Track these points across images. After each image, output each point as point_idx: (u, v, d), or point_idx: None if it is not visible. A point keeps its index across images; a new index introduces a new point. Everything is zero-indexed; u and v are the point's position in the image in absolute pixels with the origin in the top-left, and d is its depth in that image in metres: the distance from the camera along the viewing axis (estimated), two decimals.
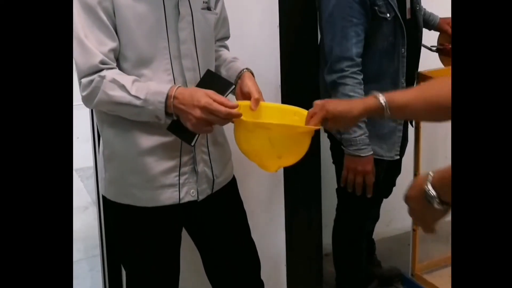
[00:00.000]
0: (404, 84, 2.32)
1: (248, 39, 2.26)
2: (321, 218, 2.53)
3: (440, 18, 2.67)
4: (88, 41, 1.64)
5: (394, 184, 2.67)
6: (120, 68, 1.70)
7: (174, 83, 1.72)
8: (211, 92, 1.62)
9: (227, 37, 1.98)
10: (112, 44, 1.66)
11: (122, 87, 1.64)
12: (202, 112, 1.60)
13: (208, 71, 1.74)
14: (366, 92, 2.17)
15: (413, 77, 2.44)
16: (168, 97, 1.62)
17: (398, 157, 2.41)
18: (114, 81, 1.64)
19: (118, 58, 1.70)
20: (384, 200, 3.21)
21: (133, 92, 1.63)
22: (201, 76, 1.74)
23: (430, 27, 2.68)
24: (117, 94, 1.64)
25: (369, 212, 2.58)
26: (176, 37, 1.73)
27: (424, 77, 2.49)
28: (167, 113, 1.65)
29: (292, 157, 1.69)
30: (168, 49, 1.72)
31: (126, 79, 1.65)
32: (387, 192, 2.68)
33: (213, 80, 1.72)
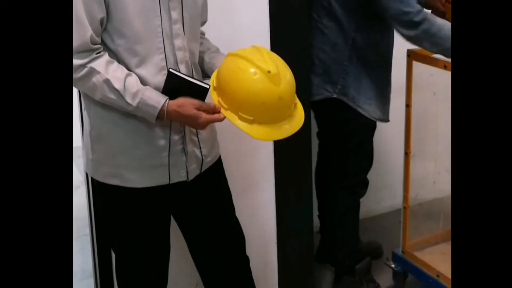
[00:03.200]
0: None
1: (236, 14, 2.23)
2: (311, 196, 2.54)
3: None
4: (80, 11, 1.64)
5: None
6: (116, 44, 1.71)
7: (166, 62, 1.74)
8: (197, 104, 1.70)
9: (205, 21, 1.97)
10: (101, 15, 1.67)
11: (116, 92, 1.67)
12: (192, 124, 1.75)
13: (171, 73, 1.72)
14: None
15: None
16: (160, 112, 1.70)
17: (388, 120, 2.57)
18: (107, 82, 1.66)
19: (113, 35, 1.70)
20: (375, 178, 3.23)
21: (127, 99, 1.68)
22: (166, 79, 1.73)
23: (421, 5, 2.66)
24: (111, 96, 1.68)
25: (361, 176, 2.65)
26: (168, 16, 1.74)
27: (415, 55, 2.47)
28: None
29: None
30: (161, 27, 1.73)
31: (118, 80, 1.67)
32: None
33: (184, 84, 1.72)
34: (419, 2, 2.35)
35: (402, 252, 2.65)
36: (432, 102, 3.17)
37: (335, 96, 2.47)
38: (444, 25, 2.29)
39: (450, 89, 3.14)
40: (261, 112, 1.70)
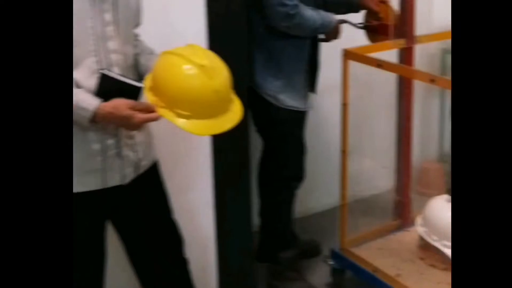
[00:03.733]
0: None
1: (171, 15, 2.21)
2: (249, 195, 2.52)
3: None
4: None
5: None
6: None
7: (99, 65, 1.72)
8: (131, 104, 1.68)
9: (139, 24, 1.94)
10: None
11: None
12: (128, 125, 1.73)
13: (103, 75, 1.70)
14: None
15: None
16: (94, 115, 1.67)
17: (306, 108, 2.63)
18: None
19: None
20: (313, 177, 3.26)
21: None
22: (98, 80, 1.70)
23: (354, 8, 2.73)
24: None
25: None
26: (101, 18, 1.72)
27: (350, 54, 2.51)
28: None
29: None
30: (93, 29, 1.71)
31: None
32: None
33: (117, 85, 1.70)
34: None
35: (340, 249, 2.68)
36: (367, 100, 3.23)
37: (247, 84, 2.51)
38: (311, 15, 2.51)
39: (385, 86, 3.22)
40: (197, 107, 1.69)
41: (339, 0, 2.74)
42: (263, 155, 2.73)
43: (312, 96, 2.74)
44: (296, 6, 2.46)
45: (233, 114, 1.78)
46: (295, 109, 2.61)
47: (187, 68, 1.68)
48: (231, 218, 2.46)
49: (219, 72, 1.72)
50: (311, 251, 2.93)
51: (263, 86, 2.57)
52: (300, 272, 2.79)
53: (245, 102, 2.22)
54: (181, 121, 1.69)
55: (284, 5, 2.43)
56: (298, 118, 2.66)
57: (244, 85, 2.35)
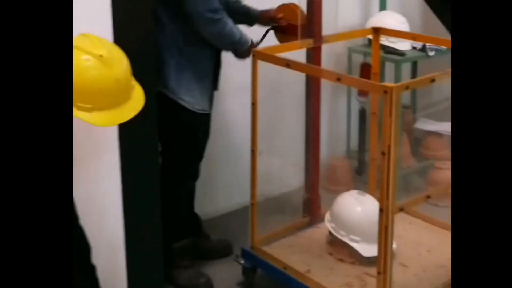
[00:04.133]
0: None
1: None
2: (159, 197, 2.48)
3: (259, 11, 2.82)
4: None
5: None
6: None
7: None
8: None
9: None
10: None
11: None
12: None
13: None
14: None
15: None
16: None
17: (209, 110, 2.66)
18: None
19: None
20: (223, 176, 3.26)
21: None
22: None
23: (252, 19, 2.79)
24: None
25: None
26: None
27: (260, 54, 2.52)
28: None
29: None
30: None
31: None
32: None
33: None
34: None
35: (251, 247, 2.70)
36: (276, 100, 3.27)
37: (158, 89, 2.49)
38: (233, 27, 2.55)
39: (294, 86, 3.25)
40: (99, 98, 1.66)
41: (238, 9, 2.77)
42: (163, 153, 2.70)
43: (215, 95, 2.76)
44: (220, 11, 2.49)
45: (135, 102, 1.76)
46: (205, 112, 2.64)
47: (85, 59, 1.65)
48: (140, 221, 2.41)
49: (117, 60, 1.70)
50: (223, 251, 2.94)
51: (176, 91, 2.55)
52: (211, 270, 2.79)
53: (153, 101, 2.20)
54: (83, 114, 1.65)
55: (212, 11, 2.46)
56: (204, 121, 2.68)
57: (154, 90, 2.32)
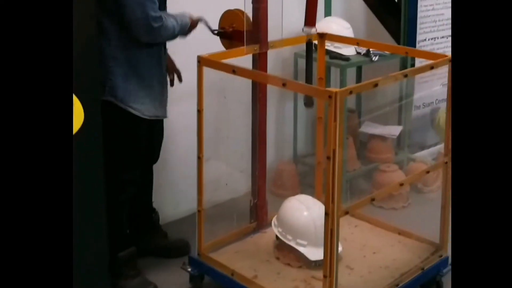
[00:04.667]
0: None
1: None
2: (103, 202, 2.44)
3: None
4: None
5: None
6: None
7: None
8: None
9: None
10: None
11: None
12: None
13: None
14: None
15: None
16: None
17: (166, 116, 2.66)
18: None
19: None
20: (171, 183, 3.23)
21: None
22: None
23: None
24: None
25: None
26: None
27: (205, 61, 2.51)
28: None
29: None
30: None
31: None
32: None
33: None
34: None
35: (198, 254, 2.68)
36: (223, 106, 3.26)
37: (105, 98, 2.46)
38: (172, 24, 2.54)
39: (241, 92, 3.26)
40: None
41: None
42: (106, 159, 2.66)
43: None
44: (160, 18, 2.47)
45: (75, 118, 1.73)
46: (158, 117, 2.62)
47: None
48: (85, 232, 2.36)
49: None
50: (180, 250, 2.94)
51: (125, 100, 2.52)
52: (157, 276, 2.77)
53: (97, 110, 2.17)
54: None
55: (149, 18, 2.43)
56: (148, 125, 2.66)
57: (97, 98, 2.28)
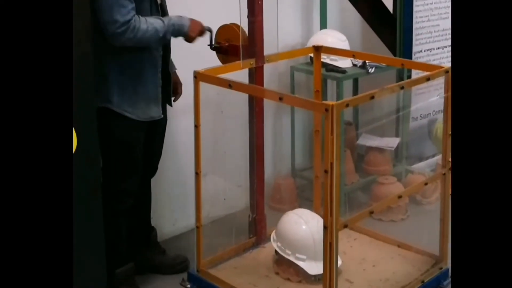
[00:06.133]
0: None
1: None
2: (101, 213, 2.42)
3: None
4: None
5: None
6: None
7: None
8: None
9: None
10: None
11: None
12: None
13: None
14: None
15: None
16: None
17: (161, 116, 2.62)
18: None
19: None
20: (169, 199, 3.21)
21: None
22: None
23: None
24: None
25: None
26: None
27: (201, 76, 2.51)
28: None
29: None
30: None
31: None
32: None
33: None
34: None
35: (197, 271, 2.66)
36: (220, 121, 3.25)
37: (100, 105, 2.45)
38: (149, 27, 2.46)
39: (237, 106, 3.26)
40: None
41: None
42: (103, 169, 2.64)
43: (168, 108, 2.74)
44: (127, 22, 2.41)
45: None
46: (151, 119, 2.59)
47: None
48: (82, 247, 2.35)
49: None
50: (178, 266, 2.90)
51: (121, 104, 2.51)
52: None
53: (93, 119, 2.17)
54: None
55: (115, 22, 2.39)
56: (143, 130, 2.62)
57: (93, 106, 2.28)
